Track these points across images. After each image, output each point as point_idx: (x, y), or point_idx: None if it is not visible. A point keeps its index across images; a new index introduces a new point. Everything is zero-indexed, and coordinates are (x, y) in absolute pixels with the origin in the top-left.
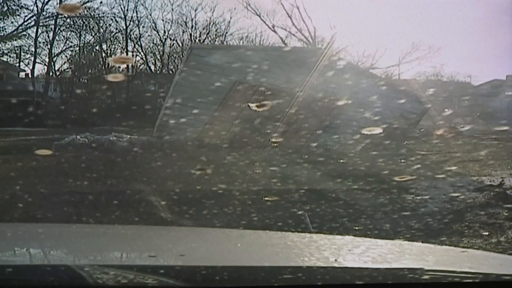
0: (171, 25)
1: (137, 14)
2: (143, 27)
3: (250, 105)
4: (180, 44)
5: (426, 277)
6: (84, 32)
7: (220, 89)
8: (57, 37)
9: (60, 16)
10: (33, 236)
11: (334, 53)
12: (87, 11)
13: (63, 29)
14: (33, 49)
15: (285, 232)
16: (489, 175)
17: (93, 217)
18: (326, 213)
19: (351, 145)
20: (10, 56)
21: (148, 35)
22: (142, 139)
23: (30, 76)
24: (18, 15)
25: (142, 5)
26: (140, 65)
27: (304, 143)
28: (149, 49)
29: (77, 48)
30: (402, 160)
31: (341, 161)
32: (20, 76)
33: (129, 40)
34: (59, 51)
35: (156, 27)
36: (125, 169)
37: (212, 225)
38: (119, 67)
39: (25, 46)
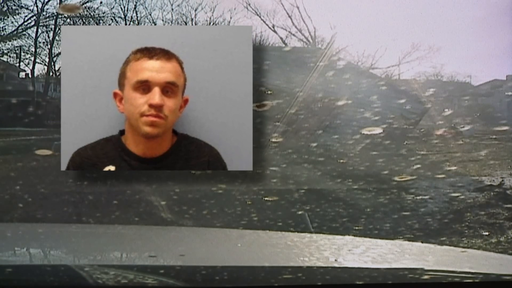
0: (171, 25)
1: (137, 14)
2: None
3: None
4: None
5: (426, 277)
6: None
7: None
8: (57, 37)
9: (60, 16)
10: (33, 236)
11: (334, 53)
12: (87, 11)
13: None
14: (33, 49)
15: (285, 232)
16: (489, 175)
17: (93, 217)
18: (326, 213)
19: (351, 145)
20: (10, 56)
21: None
22: None
23: (30, 76)
24: (18, 15)
25: (142, 5)
26: None
27: (304, 143)
28: None
29: None
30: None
31: (341, 161)
32: (20, 76)
33: None
34: (59, 51)
35: None
36: None
37: (212, 225)
38: None
39: (25, 46)
